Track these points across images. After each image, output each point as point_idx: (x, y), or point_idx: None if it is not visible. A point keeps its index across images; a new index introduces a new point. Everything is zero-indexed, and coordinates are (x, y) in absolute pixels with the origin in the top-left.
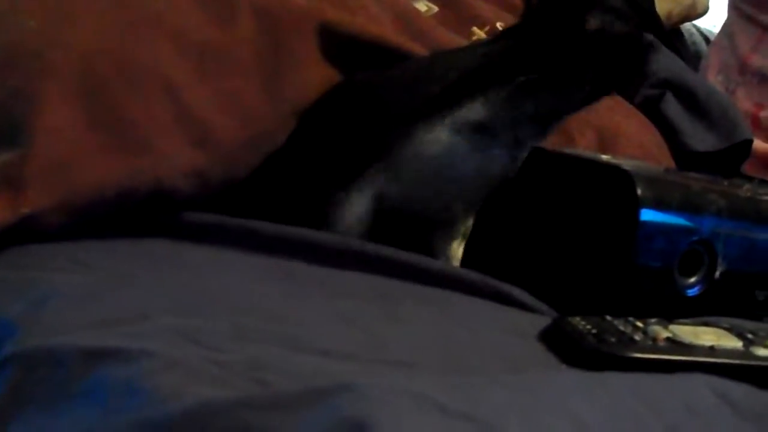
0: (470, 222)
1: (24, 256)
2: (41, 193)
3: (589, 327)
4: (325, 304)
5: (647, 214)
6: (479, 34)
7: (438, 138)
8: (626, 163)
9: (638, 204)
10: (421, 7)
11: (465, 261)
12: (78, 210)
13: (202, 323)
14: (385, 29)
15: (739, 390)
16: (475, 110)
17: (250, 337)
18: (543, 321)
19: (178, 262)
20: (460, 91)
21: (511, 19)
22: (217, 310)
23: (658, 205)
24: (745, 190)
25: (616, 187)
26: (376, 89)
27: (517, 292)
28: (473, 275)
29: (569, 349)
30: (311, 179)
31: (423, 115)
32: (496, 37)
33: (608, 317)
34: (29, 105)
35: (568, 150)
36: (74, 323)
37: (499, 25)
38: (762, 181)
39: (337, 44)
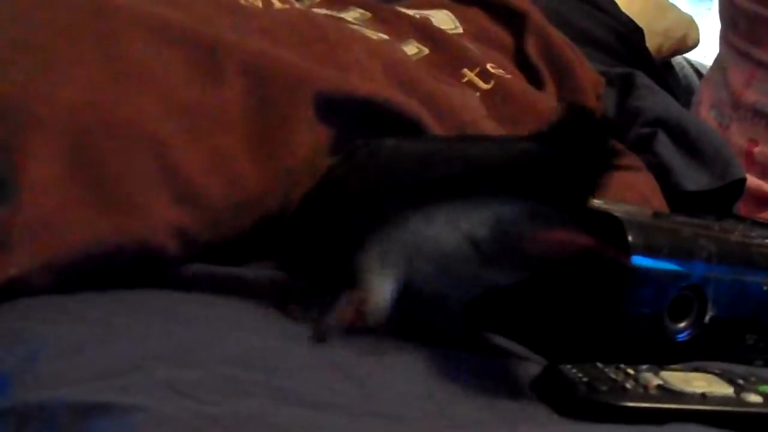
0: None
1: (14, 307)
2: (28, 254)
3: (580, 375)
4: (315, 353)
5: (638, 260)
6: (470, 75)
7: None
8: (616, 209)
9: (629, 251)
10: (411, 49)
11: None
12: (65, 269)
13: (192, 375)
14: (377, 85)
15: None
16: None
17: (240, 389)
18: (533, 369)
19: (166, 312)
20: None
21: (501, 59)
22: (207, 362)
23: (649, 252)
24: (736, 234)
25: (607, 233)
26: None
27: (505, 341)
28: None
29: (561, 398)
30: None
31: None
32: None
33: (599, 364)
34: (14, 159)
35: None
36: (65, 377)
37: (489, 66)
38: (755, 222)
39: (329, 104)
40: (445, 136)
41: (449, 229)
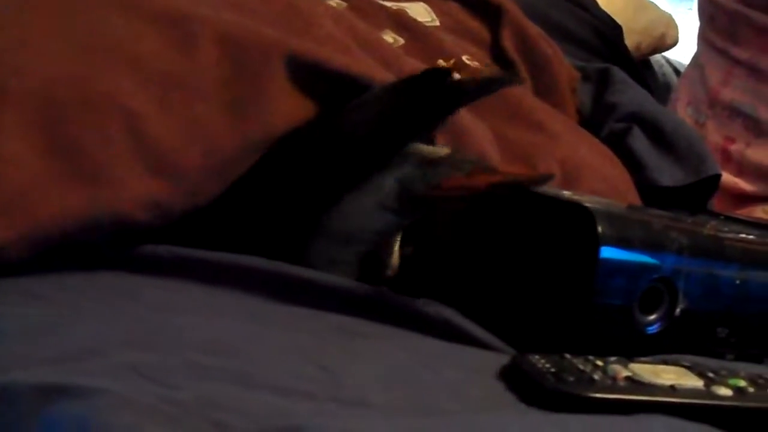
0: None
1: None
2: (3, 226)
3: (548, 366)
4: (282, 339)
5: (608, 252)
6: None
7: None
8: (587, 200)
9: (598, 242)
10: (388, 38)
11: (422, 295)
12: (39, 242)
13: (157, 360)
14: (352, 58)
15: (698, 431)
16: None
17: (205, 374)
18: (502, 359)
19: (134, 296)
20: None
21: (478, 53)
22: (173, 346)
23: (619, 243)
24: (709, 227)
25: (577, 224)
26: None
27: (476, 329)
28: (432, 310)
29: (528, 388)
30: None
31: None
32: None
33: (567, 355)
34: None
35: None
36: (28, 358)
37: (465, 58)
38: (728, 218)
39: (304, 73)
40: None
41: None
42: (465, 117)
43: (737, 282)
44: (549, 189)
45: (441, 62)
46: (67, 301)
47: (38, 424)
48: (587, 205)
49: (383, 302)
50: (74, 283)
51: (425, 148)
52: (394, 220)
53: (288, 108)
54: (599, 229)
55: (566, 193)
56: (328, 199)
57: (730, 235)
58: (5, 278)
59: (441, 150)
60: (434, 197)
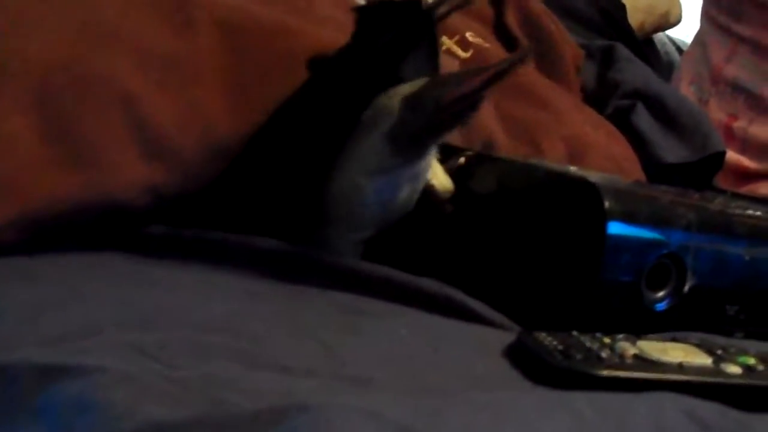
0: None
1: None
2: None
3: (555, 343)
4: (284, 317)
5: (614, 227)
6: (449, 43)
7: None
8: (593, 176)
9: (605, 217)
10: None
11: (427, 273)
12: (33, 225)
13: (157, 338)
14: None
15: (707, 408)
16: None
17: (206, 352)
18: (507, 336)
19: (133, 275)
20: None
21: (481, 29)
22: (173, 325)
23: (626, 219)
24: (716, 203)
25: (583, 199)
26: None
27: (480, 306)
28: (435, 287)
29: (535, 366)
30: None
31: None
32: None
33: (575, 333)
34: None
35: (534, 161)
36: (28, 338)
37: (468, 35)
38: (734, 195)
39: (304, 55)
40: None
41: None
42: None
43: (746, 258)
44: (555, 165)
45: (445, 39)
46: (66, 281)
47: (39, 403)
48: (593, 180)
49: (386, 280)
50: (72, 263)
51: (403, 87)
52: (397, 162)
53: (287, 90)
54: (606, 204)
55: (572, 169)
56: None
57: (738, 211)
58: (2, 258)
59: (419, 81)
60: (440, 118)
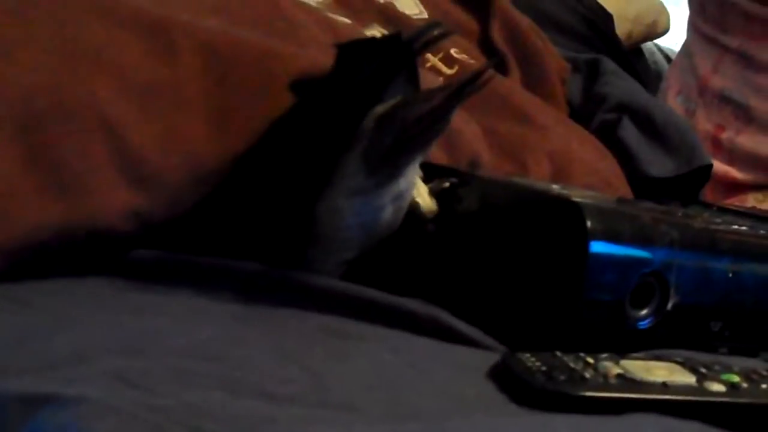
0: None
1: None
2: None
3: (538, 364)
4: (268, 342)
5: (597, 246)
6: (433, 60)
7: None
8: (576, 194)
9: (587, 236)
10: (374, 33)
11: (411, 293)
12: (14, 254)
13: (141, 365)
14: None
15: (689, 429)
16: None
17: (190, 380)
18: (491, 357)
19: (119, 301)
20: None
21: (466, 45)
22: (157, 352)
23: (609, 237)
24: (700, 219)
25: (565, 219)
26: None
27: (465, 327)
28: (420, 308)
29: (519, 388)
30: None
31: None
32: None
33: (558, 353)
34: None
35: (517, 179)
36: (11, 366)
37: (453, 51)
38: (720, 209)
39: (287, 79)
40: None
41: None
42: (455, 117)
43: (730, 275)
44: (538, 183)
45: (429, 56)
46: (50, 307)
47: None
48: (576, 199)
49: (370, 302)
50: (55, 289)
51: (379, 107)
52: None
53: (270, 113)
54: (588, 223)
55: (555, 188)
56: (311, 191)
57: (722, 227)
58: None
59: (393, 101)
60: (408, 136)
